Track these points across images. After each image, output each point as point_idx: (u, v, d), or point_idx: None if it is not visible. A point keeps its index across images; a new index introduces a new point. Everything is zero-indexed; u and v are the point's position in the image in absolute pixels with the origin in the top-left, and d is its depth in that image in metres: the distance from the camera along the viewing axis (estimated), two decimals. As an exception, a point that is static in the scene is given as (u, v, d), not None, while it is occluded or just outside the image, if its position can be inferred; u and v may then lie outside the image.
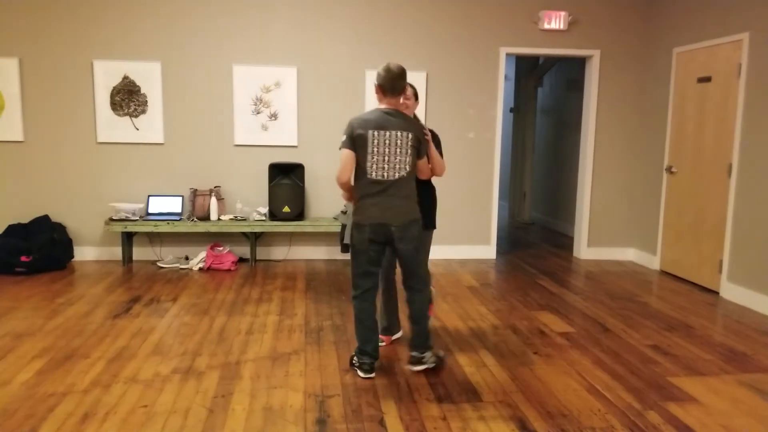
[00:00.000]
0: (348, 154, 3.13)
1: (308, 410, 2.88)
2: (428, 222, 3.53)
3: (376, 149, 3.11)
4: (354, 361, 3.34)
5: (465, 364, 3.47)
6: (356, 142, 3.12)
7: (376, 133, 3.11)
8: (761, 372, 3.45)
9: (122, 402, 2.94)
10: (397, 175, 3.14)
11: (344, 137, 3.16)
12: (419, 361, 3.32)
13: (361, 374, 3.26)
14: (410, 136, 3.15)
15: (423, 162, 3.29)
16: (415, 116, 3.48)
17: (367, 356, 3.27)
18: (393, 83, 3.15)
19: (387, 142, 3.11)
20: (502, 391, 3.12)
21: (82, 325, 4.04)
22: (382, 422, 2.77)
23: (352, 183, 3.24)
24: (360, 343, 3.30)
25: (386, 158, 3.12)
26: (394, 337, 3.82)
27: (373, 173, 3.13)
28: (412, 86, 3.50)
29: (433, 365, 3.33)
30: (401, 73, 3.16)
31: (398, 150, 3.13)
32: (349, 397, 3.03)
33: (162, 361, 3.45)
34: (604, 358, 3.62)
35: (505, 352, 3.68)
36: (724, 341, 3.96)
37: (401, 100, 3.31)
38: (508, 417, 2.84)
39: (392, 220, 3.14)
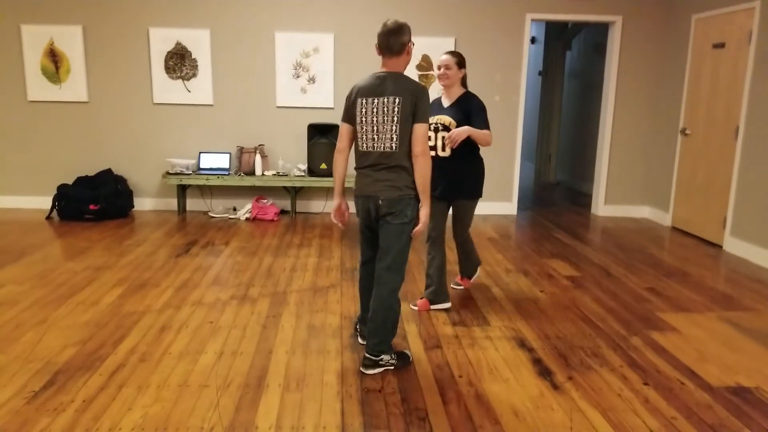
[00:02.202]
0: (343, 127, 3.01)
1: (344, 328, 3.47)
2: (474, 192, 3.72)
3: (364, 119, 2.89)
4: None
5: (478, 298, 4.01)
6: (349, 111, 2.98)
7: (364, 101, 2.88)
8: (742, 311, 3.90)
9: (191, 319, 3.57)
10: (386, 146, 2.86)
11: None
12: (375, 364, 2.94)
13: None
14: (398, 100, 2.81)
15: (418, 128, 2.84)
16: (465, 90, 3.67)
17: (361, 323, 3.28)
18: (387, 40, 2.85)
19: (375, 110, 2.86)
20: (508, 318, 3.65)
21: (149, 262, 4.70)
22: (404, 338, 3.34)
23: (351, 155, 3.15)
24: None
25: (375, 128, 2.87)
26: (437, 306, 3.79)
27: (364, 145, 2.92)
28: (454, 53, 3.59)
29: (392, 366, 2.97)
30: (394, 29, 2.84)
31: (385, 118, 2.84)
32: (378, 320, 3.60)
33: (221, 290, 4.08)
34: (603, 296, 4.11)
35: (514, 290, 4.21)
36: (715, 286, 4.40)
37: (440, 71, 3.56)
38: (511, 337, 3.38)
39: (382, 193, 2.87)
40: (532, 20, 6.51)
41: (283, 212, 6.67)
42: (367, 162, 2.93)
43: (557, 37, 9.17)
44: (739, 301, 4.09)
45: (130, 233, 5.63)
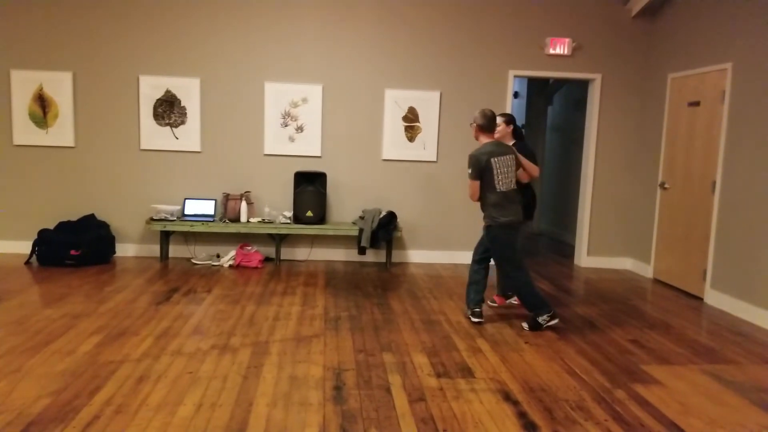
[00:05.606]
0: (476, 184, 4.43)
1: (327, 379, 3.42)
2: (527, 215, 4.88)
3: (498, 170, 4.40)
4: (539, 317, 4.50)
5: (463, 349, 3.99)
6: (484, 170, 4.37)
7: (495, 159, 4.39)
8: (724, 363, 3.91)
9: (170, 369, 3.50)
10: (512, 186, 4.47)
11: (471, 170, 4.40)
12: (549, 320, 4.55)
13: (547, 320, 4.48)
14: (512, 157, 4.49)
15: (519, 172, 4.65)
16: (515, 140, 4.87)
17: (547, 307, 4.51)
18: (491, 124, 4.49)
19: (503, 164, 4.43)
20: (493, 371, 3.63)
21: (130, 310, 4.62)
22: (388, 390, 3.30)
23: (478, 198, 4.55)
24: (539, 303, 4.48)
25: (506, 176, 4.44)
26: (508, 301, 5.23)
27: (500, 186, 4.42)
28: (502, 114, 4.86)
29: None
30: (494, 116, 4.51)
31: (508, 169, 4.44)
32: (361, 371, 3.56)
33: (202, 339, 4.02)
34: (587, 348, 4.11)
35: (499, 340, 4.19)
36: (697, 338, 4.42)
37: (495, 132, 4.63)
38: (496, 390, 3.35)
39: (519, 218, 4.50)
40: (515, 76, 6.71)
41: (267, 259, 6.63)
42: (504, 198, 4.43)
43: (539, 92, 9.43)
44: (721, 353, 4.11)
45: (111, 279, 5.55)
